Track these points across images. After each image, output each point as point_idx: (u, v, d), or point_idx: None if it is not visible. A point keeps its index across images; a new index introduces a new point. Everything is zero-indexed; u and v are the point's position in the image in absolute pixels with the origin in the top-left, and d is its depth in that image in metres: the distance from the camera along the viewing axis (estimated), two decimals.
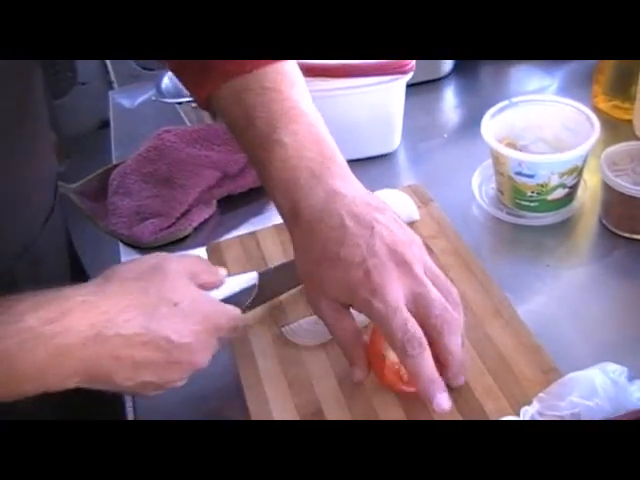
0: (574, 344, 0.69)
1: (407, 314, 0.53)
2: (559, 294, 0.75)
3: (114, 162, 1.03)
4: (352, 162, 0.95)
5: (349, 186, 0.60)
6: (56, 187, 0.77)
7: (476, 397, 0.62)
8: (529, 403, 0.57)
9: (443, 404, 0.55)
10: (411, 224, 0.82)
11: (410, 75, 0.89)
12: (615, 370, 0.56)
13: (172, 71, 0.74)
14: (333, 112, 0.90)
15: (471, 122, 1.05)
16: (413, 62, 0.88)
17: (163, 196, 0.92)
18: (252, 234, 0.83)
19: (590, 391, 0.55)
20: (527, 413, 0.55)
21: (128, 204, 0.93)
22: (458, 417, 0.60)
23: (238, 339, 0.70)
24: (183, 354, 0.56)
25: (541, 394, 0.57)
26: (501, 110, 0.84)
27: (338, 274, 0.55)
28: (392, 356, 0.57)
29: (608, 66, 0.95)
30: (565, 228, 0.83)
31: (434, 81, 1.13)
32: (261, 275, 0.68)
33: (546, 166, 0.76)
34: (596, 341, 0.69)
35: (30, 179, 0.68)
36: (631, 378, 0.56)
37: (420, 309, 0.54)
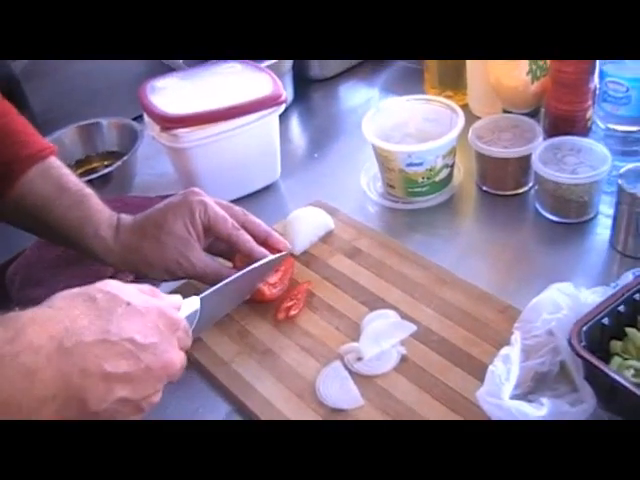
0: (496, 285, 0.81)
1: (231, 219, 0.78)
2: (463, 251, 0.88)
3: None
4: (242, 199, 1.03)
5: None
6: None
7: (460, 348, 0.72)
8: (505, 339, 0.68)
9: (263, 252, 0.78)
10: (330, 233, 0.91)
11: (283, 106, 0.98)
12: (564, 286, 0.69)
13: None
14: (221, 155, 0.98)
15: (328, 138, 1.17)
16: (285, 94, 0.97)
17: (81, 273, 0.91)
18: (187, 285, 0.85)
19: (555, 307, 0.67)
20: (516, 340, 0.65)
21: (44, 293, 0.89)
22: (452, 367, 0.70)
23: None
24: (151, 357, 0.55)
25: (516, 324, 0.68)
26: (371, 117, 0.96)
27: (182, 232, 0.75)
28: None
29: (433, 65, 1.11)
30: (451, 203, 0.96)
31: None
32: (202, 299, 0.67)
33: (433, 151, 0.89)
34: (509, 279, 0.82)
35: None
36: (576, 289, 0.69)
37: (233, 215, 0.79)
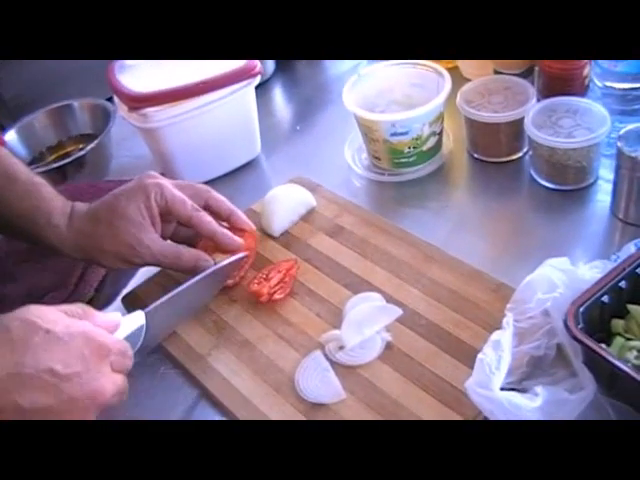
0: (489, 260, 0.75)
1: (190, 201, 0.73)
2: (454, 225, 0.82)
3: None
4: (222, 178, 0.98)
5: None
6: None
7: (450, 332, 0.66)
8: (498, 321, 0.62)
9: (225, 233, 0.75)
10: (312, 210, 0.85)
11: (258, 78, 0.92)
12: (559, 262, 0.63)
13: None
14: (195, 133, 0.92)
15: (313, 109, 1.11)
16: (260, 66, 0.91)
17: (52, 268, 0.86)
18: (166, 274, 0.81)
19: (550, 285, 0.61)
20: (507, 324, 0.60)
21: (15, 289, 0.86)
22: (441, 353, 0.65)
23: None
24: (75, 387, 0.51)
25: (508, 305, 0.62)
26: (353, 85, 0.90)
27: (135, 215, 0.71)
28: (218, 257, 0.75)
29: None
30: (441, 173, 0.90)
31: (261, 84, 1.16)
32: (148, 314, 0.64)
33: (418, 119, 0.82)
34: (503, 254, 0.76)
35: None
36: (573, 264, 0.63)
37: (195, 192, 0.76)
